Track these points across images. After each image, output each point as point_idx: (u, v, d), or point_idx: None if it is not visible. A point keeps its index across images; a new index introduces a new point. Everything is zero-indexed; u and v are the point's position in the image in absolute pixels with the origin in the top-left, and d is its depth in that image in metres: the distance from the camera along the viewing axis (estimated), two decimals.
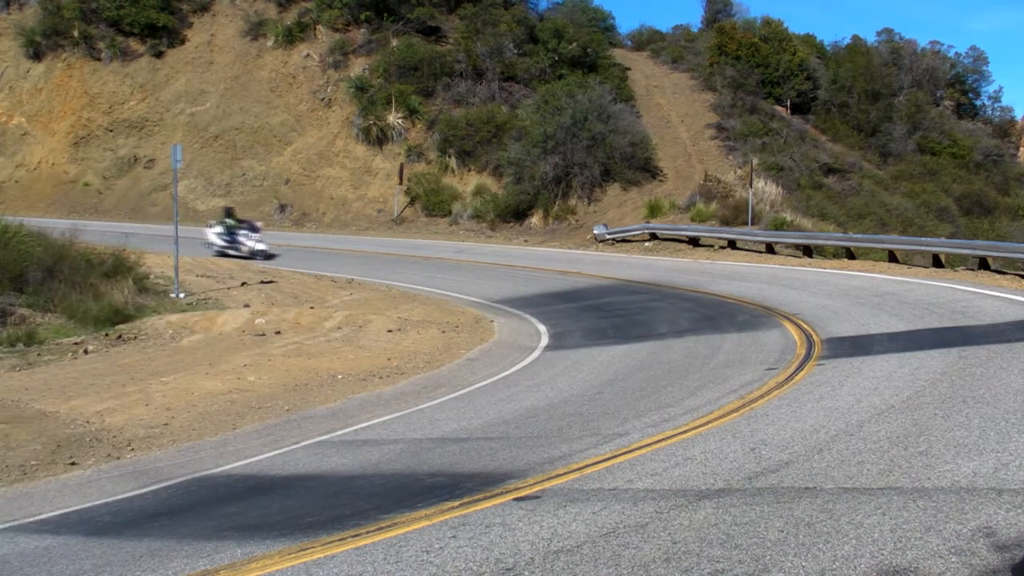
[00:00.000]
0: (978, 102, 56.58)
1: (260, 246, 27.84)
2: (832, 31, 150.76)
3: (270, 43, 43.99)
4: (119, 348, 14.37)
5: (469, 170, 38.40)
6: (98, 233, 23.14)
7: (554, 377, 12.22)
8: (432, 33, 43.25)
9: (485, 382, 12.15)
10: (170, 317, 16.19)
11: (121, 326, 15.48)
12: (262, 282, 20.92)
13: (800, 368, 11.03)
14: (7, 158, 44.19)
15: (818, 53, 50.11)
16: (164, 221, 35.45)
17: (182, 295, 18.65)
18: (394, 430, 9.75)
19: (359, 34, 43.59)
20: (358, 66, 42.32)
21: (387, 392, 11.83)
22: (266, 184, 40.96)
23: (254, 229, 28.37)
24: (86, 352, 13.99)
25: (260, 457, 8.90)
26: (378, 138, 39.82)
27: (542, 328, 16.40)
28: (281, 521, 6.58)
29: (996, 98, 70.30)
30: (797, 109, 45.54)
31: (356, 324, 15.99)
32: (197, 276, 21.13)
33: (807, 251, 25.81)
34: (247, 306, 17.85)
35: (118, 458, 9.19)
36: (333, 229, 37.52)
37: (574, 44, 40.89)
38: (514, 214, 35.84)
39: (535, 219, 35.45)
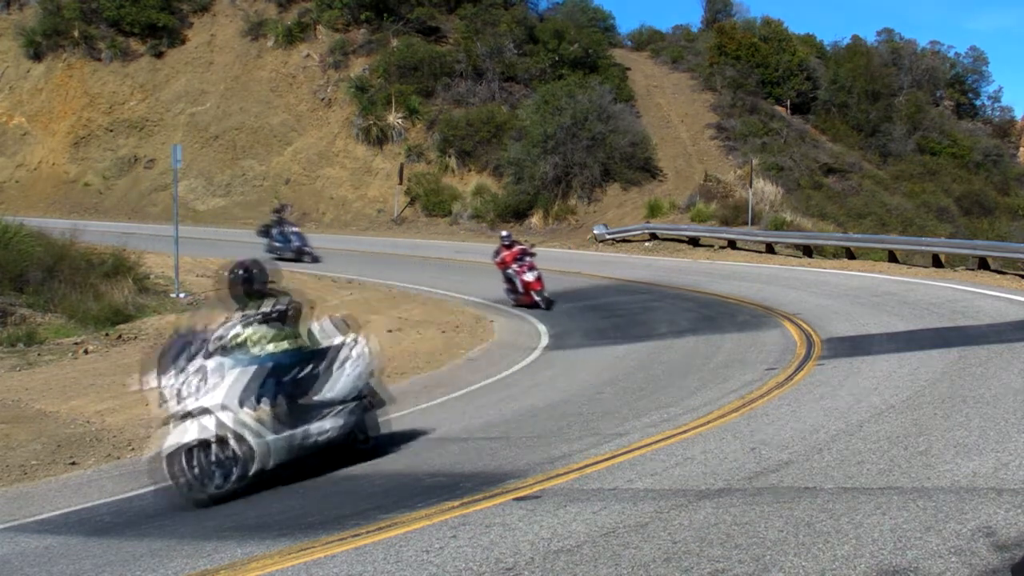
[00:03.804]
0: (978, 102, 56.65)
1: None
2: (832, 31, 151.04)
3: (270, 43, 43.99)
4: (119, 348, 14.36)
5: (469, 170, 38.41)
6: (98, 233, 23.10)
7: (554, 377, 12.23)
8: (432, 33, 43.25)
9: (485, 382, 12.16)
10: (170, 317, 16.18)
11: (121, 326, 15.47)
12: None
13: (800, 368, 11.03)
14: (7, 158, 44.18)
15: (818, 53, 50.11)
16: (164, 221, 35.42)
17: (182, 295, 18.64)
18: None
19: (359, 34, 43.59)
20: (358, 66, 42.32)
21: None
22: (266, 184, 40.96)
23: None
24: (86, 352, 13.99)
25: None
26: (378, 138, 39.82)
27: (542, 328, 16.39)
28: (281, 521, 6.58)
29: (996, 98, 70.33)
30: (797, 109, 45.54)
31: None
32: (197, 276, 21.11)
33: (807, 251, 25.80)
34: None
35: (118, 458, 9.20)
36: (333, 229, 37.51)
37: (575, 45, 40.89)
38: (514, 214, 35.84)
39: (535, 219, 35.46)
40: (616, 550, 5.22)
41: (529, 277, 18.79)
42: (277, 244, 26.78)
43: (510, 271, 19.17)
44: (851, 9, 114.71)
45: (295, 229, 27.63)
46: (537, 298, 18.65)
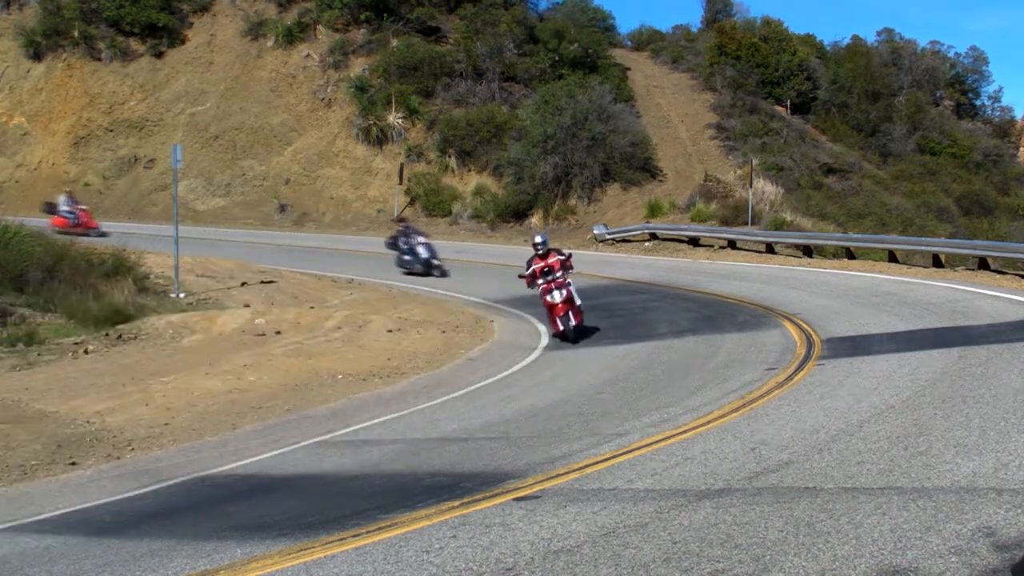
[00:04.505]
0: (978, 102, 56.60)
1: None
2: (832, 31, 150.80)
3: (270, 43, 43.98)
4: (119, 348, 14.36)
5: (469, 170, 38.40)
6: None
7: (554, 377, 12.23)
8: (432, 33, 43.24)
9: (485, 382, 12.16)
10: (170, 317, 16.18)
11: (121, 326, 15.46)
12: (262, 282, 20.91)
13: (800, 368, 11.03)
14: (7, 158, 44.17)
15: (818, 53, 50.09)
16: (164, 221, 35.41)
17: (182, 295, 18.64)
18: (394, 430, 9.76)
19: (359, 34, 43.58)
20: (358, 66, 42.32)
21: (387, 392, 11.83)
22: (266, 184, 40.95)
23: None
24: (86, 352, 13.98)
25: (260, 457, 8.90)
26: (378, 138, 39.81)
27: (542, 328, 16.37)
28: (281, 521, 6.58)
29: (996, 98, 70.17)
30: (797, 109, 45.53)
31: (356, 324, 15.99)
32: (197, 276, 21.10)
33: (807, 251, 25.80)
34: (247, 306, 17.85)
35: (118, 458, 9.20)
36: (333, 229, 37.50)
37: (575, 45, 40.89)
38: (514, 214, 35.85)
39: (535, 219, 35.44)
40: (616, 550, 5.22)
41: (555, 298, 14.43)
42: (407, 258, 24.30)
43: (537, 289, 14.92)
44: (851, 9, 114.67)
45: (423, 240, 24.69)
46: (562, 326, 14.38)
